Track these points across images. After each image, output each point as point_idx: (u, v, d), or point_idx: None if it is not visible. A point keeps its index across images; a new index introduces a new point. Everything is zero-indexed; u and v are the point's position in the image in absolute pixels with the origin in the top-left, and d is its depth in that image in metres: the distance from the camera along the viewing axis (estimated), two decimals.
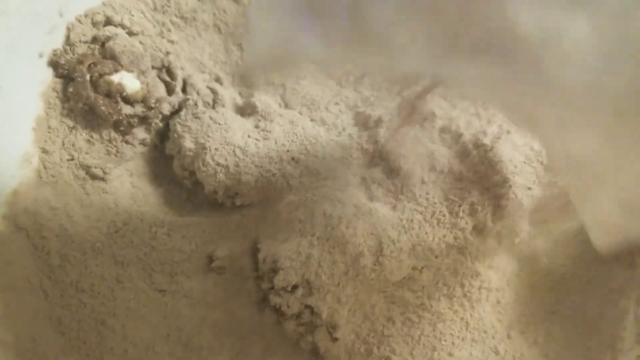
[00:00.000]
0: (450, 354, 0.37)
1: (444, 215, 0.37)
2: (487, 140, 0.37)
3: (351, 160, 0.38)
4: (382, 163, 0.38)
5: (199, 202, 0.41)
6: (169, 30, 0.42)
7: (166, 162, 0.41)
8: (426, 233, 0.37)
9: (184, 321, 0.37)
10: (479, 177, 0.37)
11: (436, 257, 0.37)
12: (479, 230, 0.37)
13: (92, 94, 0.37)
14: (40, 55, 0.36)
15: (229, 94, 0.42)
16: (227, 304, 0.38)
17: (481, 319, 0.38)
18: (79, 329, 0.33)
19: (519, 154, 0.37)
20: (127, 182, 0.40)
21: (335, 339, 0.36)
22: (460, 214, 0.37)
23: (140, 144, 0.40)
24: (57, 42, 0.37)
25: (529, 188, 0.37)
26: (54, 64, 0.37)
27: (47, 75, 0.36)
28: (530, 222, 0.41)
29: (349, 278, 0.36)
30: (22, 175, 0.34)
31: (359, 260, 0.35)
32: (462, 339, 0.37)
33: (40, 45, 0.35)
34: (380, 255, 0.36)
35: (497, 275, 0.38)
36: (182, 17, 0.43)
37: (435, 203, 0.37)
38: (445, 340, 0.37)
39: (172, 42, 0.42)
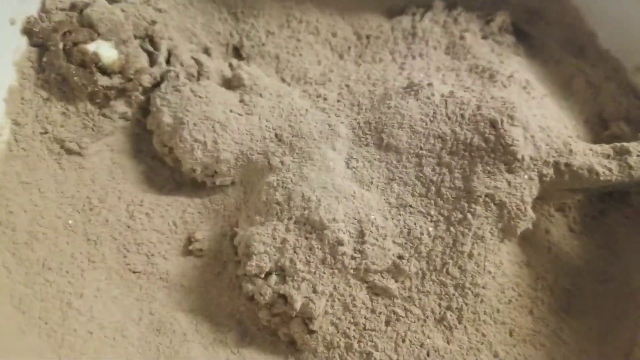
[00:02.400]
0: (441, 355, 0.34)
1: (439, 202, 0.33)
2: (496, 117, 0.32)
3: (338, 139, 0.35)
4: (374, 140, 0.35)
5: (181, 180, 0.39)
6: None
7: (149, 138, 0.39)
8: (416, 221, 0.33)
9: (157, 305, 0.35)
10: (484, 158, 0.33)
11: (426, 246, 0.33)
12: (478, 218, 0.33)
13: (64, 64, 0.35)
14: (12, 23, 0.34)
15: (216, 66, 0.39)
16: (204, 289, 0.36)
17: (478, 318, 0.34)
18: (41, 309, 0.32)
19: (535, 129, 0.32)
20: (106, 158, 0.38)
21: (311, 331, 0.33)
22: (460, 200, 0.33)
23: (120, 118, 0.38)
24: (32, 9, 0.35)
25: (539, 172, 0.33)
26: (27, 32, 0.35)
27: (21, 43, 0.35)
28: (537, 209, 0.37)
29: (326, 266, 0.33)
30: None
31: (337, 248, 0.33)
32: (456, 339, 0.34)
33: (12, 11, 0.34)
34: (361, 243, 0.33)
35: (499, 268, 0.34)
36: None
37: (430, 187, 0.33)
38: (435, 339, 0.34)
39: (159, 10, 0.40)
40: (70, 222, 0.35)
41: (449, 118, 0.34)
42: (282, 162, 0.35)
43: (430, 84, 0.35)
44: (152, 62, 0.38)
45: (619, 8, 0.37)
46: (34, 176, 0.35)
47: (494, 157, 0.32)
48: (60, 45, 0.35)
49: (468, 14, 0.41)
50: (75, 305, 0.33)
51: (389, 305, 0.34)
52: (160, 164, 0.39)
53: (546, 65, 0.39)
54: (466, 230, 0.33)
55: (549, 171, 0.33)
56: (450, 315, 0.34)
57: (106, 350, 0.32)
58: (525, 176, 0.32)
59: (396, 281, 0.33)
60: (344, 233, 0.33)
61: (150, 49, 0.38)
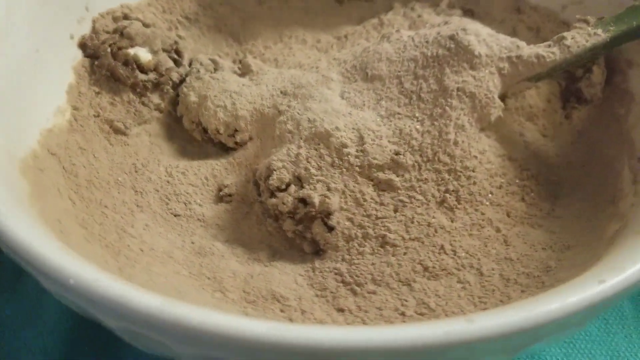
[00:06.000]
0: (447, 231, 0.38)
1: (421, 105, 0.40)
2: (452, 32, 0.41)
3: (331, 82, 0.43)
4: (361, 76, 0.43)
5: (208, 152, 0.46)
6: (177, 28, 0.52)
7: (179, 126, 0.47)
8: (405, 123, 0.40)
9: (197, 238, 0.40)
10: (449, 62, 0.40)
11: (416, 140, 0.39)
12: (455, 110, 0.39)
13: (112, 62, 0.45)
14: (72, 37, 0.45)
15: (228, 64, 0.49)
16: (236, 225, 0.41)
17: (475, 199, 0.39)
18: (100, 229, 0.37)
19: (485, 35, 0.41)
20: (145, 140, 0.46)
21: (331, 228, 0.38)
22: (437, 98, 0.40)
23: (155, 109, 0.47)
24: (85, 29, 0.46)
25: (497, 67, 0.40)
26: (82, 46, 0.45)
27: (77, 54, 0.45)
28: (509, 118, 0.44)
29: (335, 167, 0.39)
30: (55, 121, 0.41)
31: (342, 150, 0.39)
32: (459, 218, 0.38)
33: (71, 29, 0.45)
34: (362, 144, 0.39)
35: (483, 155, 0.40)
36: (186, 18, 0.53)
37: (412, 96, 0.41)
38: (440, 219, 0.38)
39: (180, 37, 0.51)
40: (119, 179, 0.42)
41: (417, 46, 0.42)
42: (288, 106, 0.43)
43: (398, 31, 0.44)
44: (178, 65, 0.48)
45: None
46: (90, 146, 0.43)
47: (457, 59, 0.40)
48: (109, 50, 0.45)
49: (421, 4, 0.52)
50: (128, 230, 0.38)
51: (395, 196, 0.39)
52: (190, 144, 0.47)
53: (492, 25, 0.49)
54: (447, 122, 0.39)
55: (505, 64, 0.40)
56: (449, 197, 0.39)
57: (156, 264, 0.37)
58: (486, 71, 0.40)
59: (397, 175, 0.39)
60: (346, 139, 0.39)
61: (176, 56, 0.48)
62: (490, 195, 0.40)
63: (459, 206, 0.39)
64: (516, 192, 0.41)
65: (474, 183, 0.39)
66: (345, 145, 0.39)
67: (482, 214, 0.39)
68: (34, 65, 0.41)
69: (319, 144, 0.40)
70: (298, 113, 0.42)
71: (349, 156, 0.39)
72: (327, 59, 0.48)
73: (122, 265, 0.35)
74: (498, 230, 0.38)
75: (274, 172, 0.39)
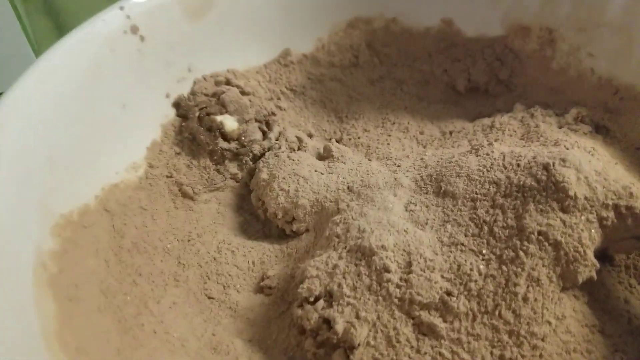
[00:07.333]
0: None
1: (491, 241, 0.33)
2: (549, 161, 0.33)
3: (400, 188, 0.38)
4: (433, 189, 0.37)
5: (269, 233, 0.44)
6: (279, 98, 0.51)
7: (250, 199, 0.46)
8: (467, 258, 0.33)
9: (221, 329, 0.38)
10: (535, 197, 0.33)
11: (476, 283, 0.32)
12: (531, 258, 0.32)
13: (196, 125, 0.45)
14: (167, 96, 0.46)
15: (314, 144, 0.46)
16: (266, 324, 0.38)
17: None
18: (121, 299, 0.37)
19: (589, 172, 0.32)
20: (213, 208, 0.45)
21: None
22: (512, 238, 0.33)
23: (231, 178, 0.46)
24: (183, 90, 0.47)
25: (598, 215, 0.31)
26: (176, 105, 0.47)
27: (170, 112, 0.46)
28: (614, 277, 0.34)
29: (371, 293, 0.33)
30: (125, 177, 0.42)
31: (383, 275, 0.33)
32: None
33: (169, 88, 0.46)
34: (408, 272, 0.33)
35: (561, 322, 0.31)
36: (292, 90, 0.51)
37: (483, 227, 0.34)
38: None
39: (279, 107, 0.50)
40: (168, 246, 0.41)
41: (505, 167, 0.35)
42: (348, 205, 0.39)
43: (490, 144, 0.37)
44: (264, 138, 0.47)
45: None
46: (152, 206, 0.43)
47: (546, 196, 0.32)
48: (197, 114, 0.45)
49: (545, 110, 0.43)
50: (151, 307, 0.37)
51: (436, 346, 0.32)
52: (255, 219, 0.45)
53: (625, 151, 0.39)
54: (519, 270, 0.32)
55: (609, 214, 0.31)
56: None
57: (163, 350, 0.35)
58: (582, 217, 0.31)
59: (444, 320, 0.32)
60: (391, 261, 0.34)
61: (265, 129, 0.47)
62: None
63: None
64: None
65: (541, 356, 0.31)
66: (387, 270, 0.33)
67: None
68: (116, 121, 0.42)
69: (360, 260, 0.34)
70: (352, 217, 0.37)
71: (389, 283, 0.33)
72: (414, 158, 0.42)
73: (124, 346, 0.34)
74: None
75: (306, 279, 0.35)
